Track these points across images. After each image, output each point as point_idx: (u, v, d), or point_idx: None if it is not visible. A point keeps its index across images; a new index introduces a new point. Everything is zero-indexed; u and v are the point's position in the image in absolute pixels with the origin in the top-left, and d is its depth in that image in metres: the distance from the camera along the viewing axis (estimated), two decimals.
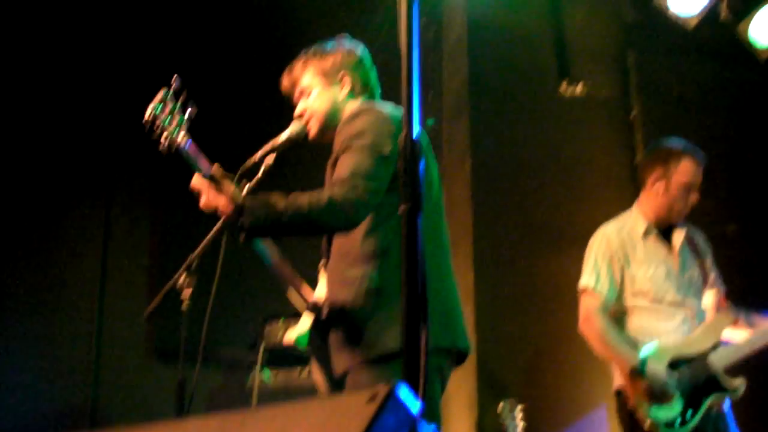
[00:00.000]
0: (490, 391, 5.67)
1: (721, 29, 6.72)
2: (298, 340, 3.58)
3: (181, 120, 3.18)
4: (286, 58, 3.85)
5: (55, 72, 6.27)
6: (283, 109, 3.86)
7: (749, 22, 6.45)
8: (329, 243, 3.57)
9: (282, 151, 3.59)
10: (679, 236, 5.01)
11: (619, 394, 4.81)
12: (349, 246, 3.42)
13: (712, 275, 5.06)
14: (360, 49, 3.79)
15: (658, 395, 4.60)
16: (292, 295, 3.58)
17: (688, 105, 6.67)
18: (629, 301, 4.89)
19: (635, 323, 4.87)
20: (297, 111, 3.72)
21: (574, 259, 5.35)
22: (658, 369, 4.63)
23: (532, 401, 5.24)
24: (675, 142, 5.06)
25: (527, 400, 5.13)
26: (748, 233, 6.44)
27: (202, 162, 3.25)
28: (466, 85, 6.24)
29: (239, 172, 3.34)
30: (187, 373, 3.73)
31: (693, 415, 4.66)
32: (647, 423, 4.61)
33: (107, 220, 6.29)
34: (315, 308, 3.55)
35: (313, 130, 3.68)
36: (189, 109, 3.21)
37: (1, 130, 6.08)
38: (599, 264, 4.91)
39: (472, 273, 5.76)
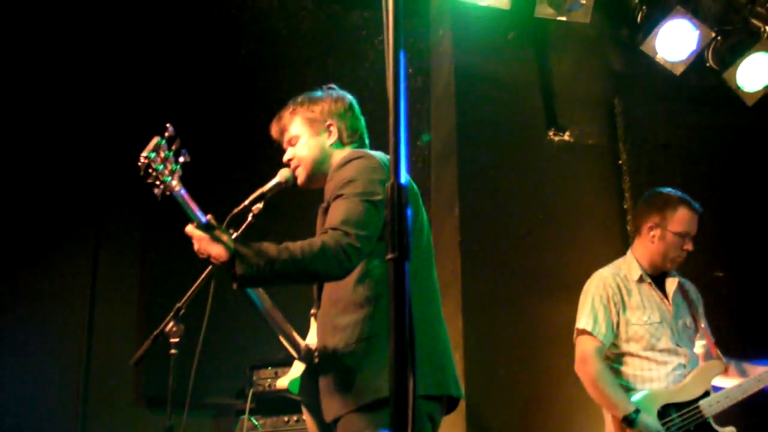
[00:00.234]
0: None
1: (708, 75, 6.81)
2: (290, 385, 3.58)
3: (174, 167, 3.19)
4: (274, 105, 3.88)
5: (45, 116, 6.28)
6: (271, 156, 3.88)
7: (736, 68, 6.54)
8: (320, 290, 3.59)
9: (270, 197, 3.61)
10: (672, 284, 5.05)
11: None
12: (340, 293, 3.43)
13: (703, 324, 5.09)
14: (348, 98, 3.82)
15: None
16: (283, 341, 3.58)
17: (676, 151, 6.72)
18: (623, 346, 4.90)
19: (628, 369, 4.88)
20: (285, 158, 3.75)
21: (563, 304, 5.35)
22: (650, 421, 4.63)
23: None
24: (672, 191, 5.09)
25: None
26: (735, 280, 6.45)
27: (196, 209, 3.25)
28: (454, 132, 6.27)
29: (227, 219, 3.34)
30: (175, 420, 3.70)
31: None
32: None
33: (95, 265, 6.27)
34: (307, 355, 3.55)
35: (300, 177, 3.72)
36: (182, 157, 3.22)
37: None
38: (596, 307, 4.92)
39: (461, 319, 5.74)
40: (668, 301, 5.00)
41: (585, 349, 4.88)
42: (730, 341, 5.39)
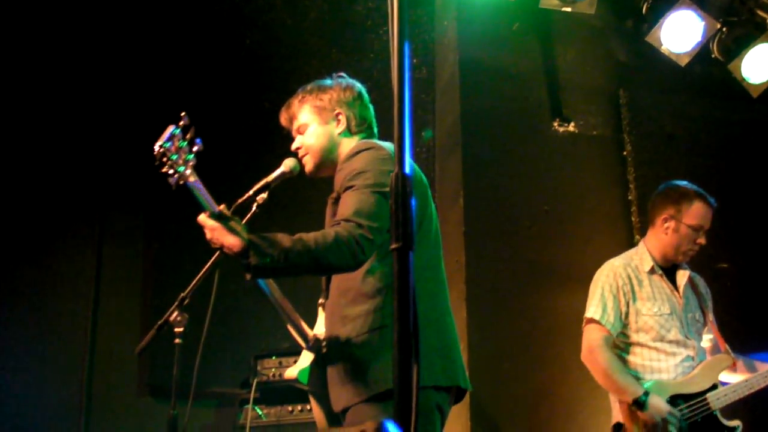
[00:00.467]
0: (483, 430, 5.64)
1: (713, 67, 6.79)
2: (299, 375, 3.58)
3: (189, 156, 3.18)
4: (278, 96, 3.88)
5: (48, 108, 6.29)
6: (275, 146, 3.88)
7: (741, 60, 6.52)
8: (328, 280, 3.59)
9: (274, 187, 3.60)
10: (683, 277, 5.06)
11: (618, 428, 4.82)
12: (350, 283, 3.43)
13: (711, 318, 5.10)
14: (357, 86, 3.81)
15: (657, 430, 4.60)
16: (291, 331, 3.58)
17: (681, 142, 6.71)
18: (632, 336, 4.91)
19: (637, 359, 4.89)
20: (293, 146, 3.75)
21: (568, 295, 5.36)
22: (660, 403, 4.64)
23: None
24: (688, 184, 5.09)
25: None
26: (739, 271, 6.45)
27: (209, 199, 3.24)
28: (458, 123, 6.26)
29: (232, 209, 3.33)
30: (179, 409, 3.71)
31: None
32: None
33: (99, 256, 6.29)
34: (315, 345, 3.55)
35: (308, 165, 3.72)
36: (196, 147, 3.21)
37: None
38: (606, 296, 4.93)
39: (464, 310, 5.74)
40: (679, 293, 5.01)
41: (592, 338, 4.89)
42: (733, 332, 5.39)
